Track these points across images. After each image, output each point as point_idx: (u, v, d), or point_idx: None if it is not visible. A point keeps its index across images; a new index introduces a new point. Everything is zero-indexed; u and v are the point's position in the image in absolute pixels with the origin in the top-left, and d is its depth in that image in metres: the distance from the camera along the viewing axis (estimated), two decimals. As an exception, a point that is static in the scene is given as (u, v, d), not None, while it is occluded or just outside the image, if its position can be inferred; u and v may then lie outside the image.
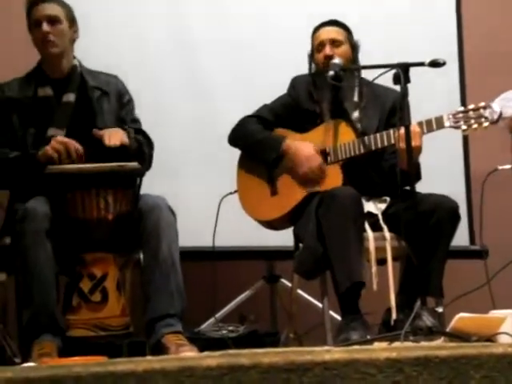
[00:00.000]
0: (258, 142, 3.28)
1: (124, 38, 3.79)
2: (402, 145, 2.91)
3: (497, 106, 3.05)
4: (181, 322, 2.88)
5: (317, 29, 3.31)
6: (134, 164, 2.94)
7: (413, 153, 2.90)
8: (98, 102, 3.09)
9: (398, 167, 2.95)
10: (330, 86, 3.18)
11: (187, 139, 3.89)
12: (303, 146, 3.21)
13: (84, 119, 3.06)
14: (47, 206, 2.86)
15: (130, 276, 3.10)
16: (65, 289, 2.91)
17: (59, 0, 3.10)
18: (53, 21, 3.05)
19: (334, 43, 3.24)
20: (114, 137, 2.94)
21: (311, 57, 3.31)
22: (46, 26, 3.03)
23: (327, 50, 3.22)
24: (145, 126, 3.22)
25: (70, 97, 3.07)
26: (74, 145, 2.94)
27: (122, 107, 3.15)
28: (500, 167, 3.50)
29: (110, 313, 2.88)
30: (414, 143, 2.91)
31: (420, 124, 3.06)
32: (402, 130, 2.91)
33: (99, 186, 2.89)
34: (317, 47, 3.27)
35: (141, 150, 3.05)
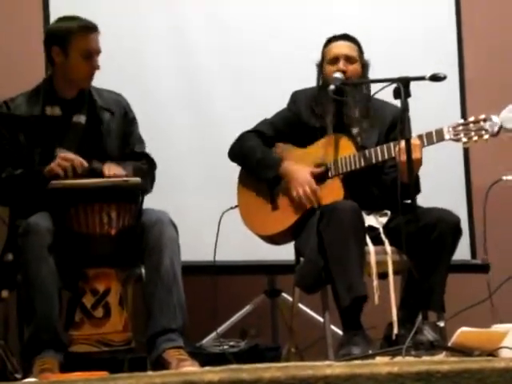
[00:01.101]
0: (255, 161, 3.28)
1: (121, 51, 3.77)
2: (403, 158, 2.92)
3: (497, 118, 3.05)
4: (182, 336, 2.88)
5: (330, 41, 3.31)
6: (137, 179, 2.95)
7: (413, 166, 2.91)
8: (107, 124, 3.09)
9: (399, 180, 2.96)
10: (332, 99, 3.19)
11: (188, 153, 3.89)
12: (298, 170, 3.20)
13: (93, 141, 3.07)
14: (50, 220, 2.86)
15: (131, 291, 3.09)
16: (67, 304, 2.91)
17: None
18: (97, 55, 3.05)
19: (349, 59, 3.24)
20: (113, 169, 2.96)
21: (320, 67, 3.31)
22: (97, 60, 3.04)
23: (341, 65, 3.22)
24: (147, 143, 3.23)
25: (81, 118, 3.06)
26: (80, 160, 2.94)
27: (126, 126, 3.16)
28: (504, 178, 3.50)
29: (112, 328, 2.88)
30: (414, 156, 2.91)
31: (420, 137, 3.07)
32: (402, 143, 2.92)
33: (102, 200, 2.90)
34: (330, 60, 3.26)
35: (139, 175, 3.04)
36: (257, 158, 3.29)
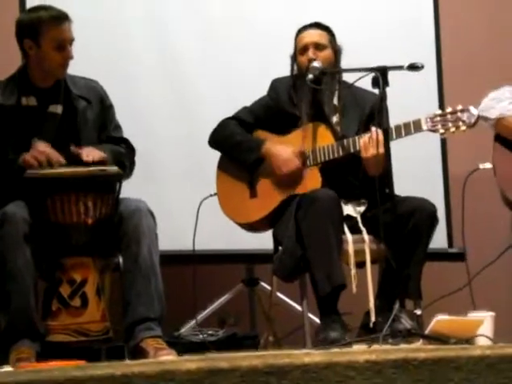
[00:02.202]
0: (237, 144, 3.29)
1: (99, 37, 3.75)
2: (367, 153, 2.99)
3: (474, 109, 3.07)
4: (160, 326, 2.88)
5: (300, 31, 3.31)
6: (114, 168, 2.93)
7: (375, 161, 2.94)
8: (82, 113, 3.07)
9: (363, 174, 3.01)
10: (309, 89, 3.19)
11: (166, 141, 3.88)
12: (282, 150, 3.22)
13: (69, 131, 3.04)
14: (26, 210, 2.84)
15: (109, 280, 3.08)
16: (44, 294, 2.89)
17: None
18: (70, 44, 3.02)
19: (318, 47, 3.24)
20: (92, 153, 2.93)
21: (294, 58, 3.31)
22: (71, 50, 3.01)
23: (310, 53, 3.23)
24: (124, 130, 3.21)
25: (58, 108, 3.03)
26: (57, 156, 2.92)
27: (103, 113, 3.14)
28: (481, 166, 3.52)
29: (89, 318, 2.87)
30: (375, 152, 2.96)
31: (398, 127, 3.08)
32: (366, 139, 2.97)
33: (79, 190, 2.88)
34: (300, 50, 3.27)
35: (119, 163, 3.03)
36: (238, 141, 3.29)
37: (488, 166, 3.38)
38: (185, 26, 3.92)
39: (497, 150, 3.29)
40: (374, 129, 3.05)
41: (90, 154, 2.93)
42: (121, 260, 2.96)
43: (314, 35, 3.27)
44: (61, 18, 3.00)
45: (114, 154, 3.02)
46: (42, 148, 2.92)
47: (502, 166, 3.25)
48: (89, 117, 3.08)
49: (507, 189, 3.22)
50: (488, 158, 3.44)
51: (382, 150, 2.99)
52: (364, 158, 3.06)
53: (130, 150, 3.15)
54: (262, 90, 3.39)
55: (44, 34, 2.98)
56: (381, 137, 3.01)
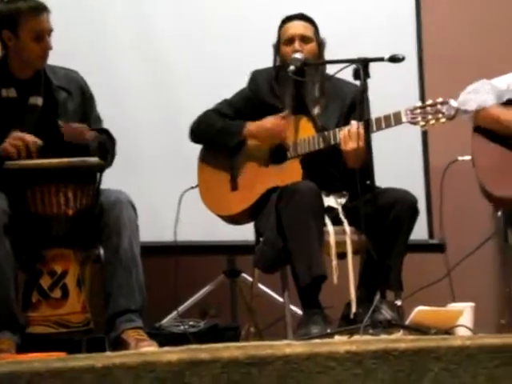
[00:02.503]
0: (218, 131, 3.28)
1: (78, 25, 3.73)
2: (347, 146, 3.01)
3: (454, 102, 3.08)
4: (141, 317, 2.87)
5: (285, 21, 3.30)
6: (95, 159, 2.92)
7: (354, 155, 2.96)
8: (63, 104, 3.05)
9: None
10: (291, 80, 3.19)
11: (148, 133, 3.87)
12: (264, 122, 3.22)
13: (50, 123, 3.02)
14: (5, 201, 2.82)
15: (89, 272, 3.08)
16: (24, 285, 2.88)
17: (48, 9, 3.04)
18: (49, 35, 3.00)
19: (304, 39, 3.23)
20: (88, 132, 2.94)
21: (277, 49, 3.30)
22: (49, 41, 2.98)
23: (296, 45, 3.22)
24: (105, 121, 3.19)
25: (38, 100, 3.02)
26: (32, 139, 2.90)
27: (84, 104, 3.12)
28: (460, 158, 3.54)
29: (70, 309, 2.86)
30: (356, 144, 2.96)
31: (378, 119, 3.09)
32: (346, 132, 3.00)
33: (59, 181, 2.86)
34: (285, 41, 3.26)
35: (103, 149, 3.02)
36: (218, 127, 3.29)
37: (467, 158, 3.40)
38: (167, 13, 3.89)
39: (476, 141, 3.31)
40: (354, 122, 3.05)
41: (87, 132, 2.91)
42: (101, 251, 2.95)
43: (300, 27, 3.26)
44: (39, 8, 2.99)
45: (99, 140, 3.01)
46: (17, 134, 2.91)
47: (481, 158, 3.27)
48: (69, 108, 3.07)
49: (486, 180, 3.24)
50: (469, 150, 3.46)
51: (361, 143, 3.00)
52: (344, 151, 3.07)
53: (112, 140, 3.14)
54: (244, 78, 3.37)
55: (22, 24, 2.96)
56: (361, 130, 3.01)
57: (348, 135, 3.05)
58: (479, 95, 3.27)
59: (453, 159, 3.56)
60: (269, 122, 3.23)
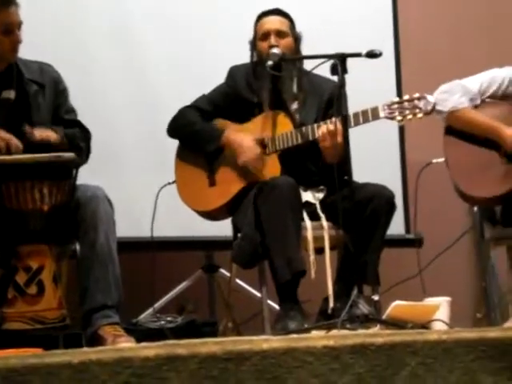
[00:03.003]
0: (196, 134, 3.27)
1: (57, 21, 3.71)
2: (325, 143, 3.02)
3: (431, 97, 3.10)
4: (118, 313, 2.86)
5: (261, 17, 3.30)
6: (71, 154, 2.89)
7: (333, 151, 2.98)
8: (34, 97, 3.02)
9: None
10: (269, 75, 3.19)
11: (125, 128, 3.85)
12: (242, 138, 3.21)
13: (21, 116, 3.00)
14: (-20, 197, 2.80)
15: (66, 267, 3.06)
16: (-1, 281, 2.86)
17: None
18: (19, 28, 2.97)
19: (279, 34, 3.23)
20: (45, 132, 2.91)
21: (253, 44, 3.30)
22: (19, 34, 2.95)
23: (272, 40, 3.22)
24: (82, 116, 3.17)
25: (11, 94, 2.99)
26: (16, 142, 2.88)
27: (57, 96, 3.10)
28: (434, 160, 3.56)
29: (46, 305, 2.84)
30: (335, 141, 2.97)
31: (356, 114, 3.10)
32: (324, 128, 3.01)
33: (34, 177, 2.84)
34: (261, 36, 3.26)
35: (74, 145, 3.00)
36: (197, 130, 3.27)
37: (441, 160, 3.42)
38: (145, 6, 3.88)
39: (448, 142, 3.33)
40: (332, 119, 3.06)
41: (43, 133, 2.89)
42: (78, 247, 2.94)
43: (275, 22, 3.26)
44: (7, 1, 2.96)
45: (68, 137, 2.99)
46: (3, 134, 2.88)
47: (454, 158, 3.29)
48: (41, 101, 3.04)
49: (459, 180, 3.27)
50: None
51: (339, 139, 3.01)
52: (322, 146, 3.08)
53: (85, 133, 3.12)
54: (223, 72, 3.36)
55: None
56: (339, 127, 3.02)
57: (326, 131, 3.06)
58: (454, 96, 3.29)
59: (431, 155, 3.57)
60: (245, 141, 3.18)
